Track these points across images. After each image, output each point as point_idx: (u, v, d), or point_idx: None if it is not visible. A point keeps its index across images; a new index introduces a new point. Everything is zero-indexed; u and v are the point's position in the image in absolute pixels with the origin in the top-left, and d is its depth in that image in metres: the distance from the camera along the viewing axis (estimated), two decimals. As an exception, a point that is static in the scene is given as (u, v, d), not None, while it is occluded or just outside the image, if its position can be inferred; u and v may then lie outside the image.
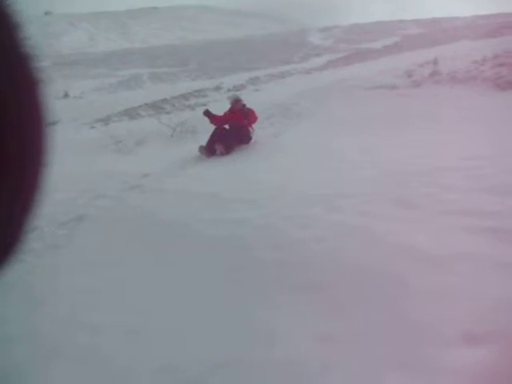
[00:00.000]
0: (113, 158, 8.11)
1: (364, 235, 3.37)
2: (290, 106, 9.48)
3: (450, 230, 3.21)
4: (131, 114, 14.29)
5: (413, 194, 3.90)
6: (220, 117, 7.68)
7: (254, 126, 7.45)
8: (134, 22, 56.65)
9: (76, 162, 8.68)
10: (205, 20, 60.56)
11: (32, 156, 0.50)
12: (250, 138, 7.33)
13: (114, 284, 3.58)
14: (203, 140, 8.15)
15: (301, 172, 5.04)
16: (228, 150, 6.98)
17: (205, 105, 13.38)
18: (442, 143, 5.46)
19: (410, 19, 34.11)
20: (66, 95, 19.90)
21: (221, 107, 12.14)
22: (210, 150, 7.03)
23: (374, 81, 10.02)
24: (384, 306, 2.64)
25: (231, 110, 7.66)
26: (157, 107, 14.47)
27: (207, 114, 7.73)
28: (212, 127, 7.55)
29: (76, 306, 3.34)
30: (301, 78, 15.65)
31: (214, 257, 3.55)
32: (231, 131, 7.21)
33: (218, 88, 16.28)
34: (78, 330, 3.04)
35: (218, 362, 2.51)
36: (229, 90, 15.76)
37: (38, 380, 2.68)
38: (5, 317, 3.40)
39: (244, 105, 7.64)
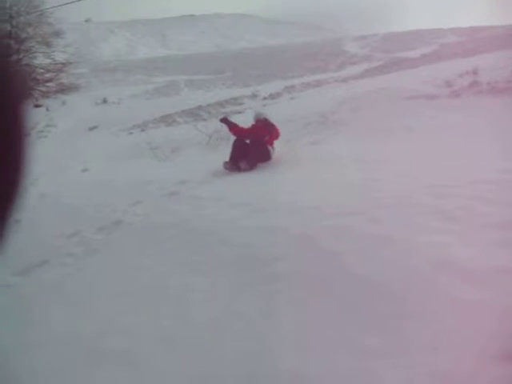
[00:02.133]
0: (150, 165, 8.21)
1: (402, 247, 3.32)
2: (326, 114, 9.42)
3: (487, 243, 3.15)
4: (168, 120, 14.44)
5: (451, 207, 3.83)
6: (240, 128, 7.34)
7: (274, 144, 7.07)
8: (172, 29, 57.47)
9: (114, 167, 8.83)
10: (242, 28, 61.02)
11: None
12: (269, 157, 6.91)
13: (149, 289, 3.62)
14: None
15: (339, 182, 5.01)
16: (252, 166, 6.66)
17: (240, 112, 13.45)
18: (481, 155, 5.35)
19: (448, 28, 33.65)
20: (105, 101, 20.26)
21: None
22: (233, 165, 6.70)
23: (413, 90, 9.89)
24: (422, 319, 2.61)
25: (253, 126, 7.29)
26: (193, 114, 14.60)
27: (225, 121, 7.42)
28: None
29: (113, 310, 3.39)
30: (337, 86, 15.58)
31: (249, 265, 3.55)
32: (252, 147, 6.84)
33: (253, 96, 16.33)
34: (114, 334, 3.08)
35: (252, 372, 2.50)
36: (265, 98, 15.79)
37: (75, 382, 2.72)
38: (45, 319, 3.46)
39: (268, 121, 7.21)
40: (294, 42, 40.40)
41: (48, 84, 23.22)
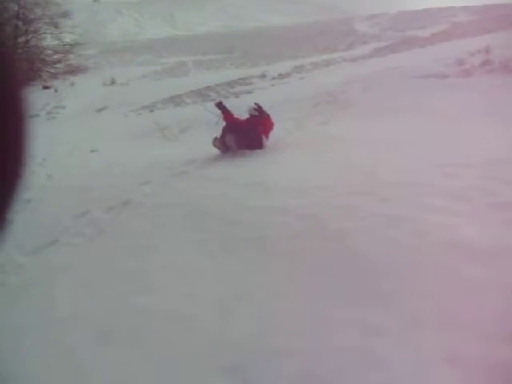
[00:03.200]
0: (158, 145, 8.20)
1: (412, 227, 3.30)
2: (336, 94, 9.34)
3: (499, 223, 3.12)
4: (176, 101, 14.40)
5: (463, 187, 3.80)
6: (235, 117, 6.88)
7: (269, 136, 6.66)
8: (180, 9, 57.00)
9: (123, 147, 8.83)
10: (251, 8, 60.42)
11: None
12: (261, 145, 6.44)
13: (158, 268, 3.62)
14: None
15: (349, 161, 4.97)
16: (239, 144, 6.33)
17: (250, 92, 13.39)
18: (493, 135, 5.29)
19: (460, 6, 33.09)
20: (113, 82, 20.19)
21: (265, 95, 12.15)
22: (223, 143, 6.43)
23: (423, 69, 9.77)
24: (431, 299, 2.60)
25: (249, 118, 6.80)
26: (202, 94, 14.54)
27: (221, 106, 6.93)
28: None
29: (122, 290, 3.40)
30: (347, 66, 15.43)
31: (258, 245, 3.54)
32: (243, 130, 6.44)
33: (262, 76, 16.21)
34: (124, 314, 3.09)
35: (264, 348, 2.51)
36: (273, 78, 15.67)
37: (87, 362, 2.73)
38: (55, 299, 3.48)
39: (263, 112, 6.75)
40: (304, 21, 39.96)
41: (56, 65, 23.21)
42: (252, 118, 6.68)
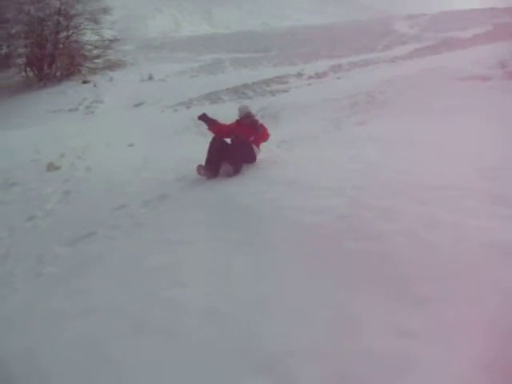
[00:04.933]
0: (195, 141, 8.22)
1: (453, 230, 3.24)
2: (374, 94, 9.23)
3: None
4: (213, 98, 14.44)
5: (502, 190, 3.72)
6: (221, 125, 6.04)
7: (261, 146, 6.01)
8: (218, 7, 57.20)
9: (159, 143, 8.91)
10: (289, 7, 60.25)
11: None
12: (254, 158, 5.84)
13: (192, 262, 3.64)
14: (285, 126, 8.11)
15: (387, 162, 4.91)
16: (237, 168, 5.58)
17: (286, 91, 13.32)
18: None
19: (503, 7, 32.33)
20: (151, 78, 20.37)
21: (302, 94, 12.10)
22: (211, 169, 5.63)
23: (465, 71, 9.59)
24: (469, 305, 2.55)
25: (238, 122, 6.08)
26: (238, 92, 14.54)
27: (204, 118, 6.08)
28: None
29: (156, 283, 3.42)
30: (385, 66, 15.23)
31: (295, 244, 3.52)
32: (235, 147, 5.71)
33: (299, 74, 16.11)
34: (157, 306, 3.12)
35: (297, 348, 2.50)
36: (310, 77, 15.57)
37: (118, 353, 2.76)
38: (90, 289, 3.53)
39: (255, 120, 6.03)
40: (342, 20, 39.64)
41: (96, 60, 23.57)
42: (243, 123, 5.99)
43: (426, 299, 2.66)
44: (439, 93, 8.37)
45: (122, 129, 11.30)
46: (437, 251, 3.06)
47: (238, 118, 6.15)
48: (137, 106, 15.93)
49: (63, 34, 23.03)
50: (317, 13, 57.77)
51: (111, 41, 24.11)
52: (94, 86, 20.02)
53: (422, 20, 31.38)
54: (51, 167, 7.08)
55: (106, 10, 23.74)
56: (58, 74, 22.25)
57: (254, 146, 5.83)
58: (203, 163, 5.61)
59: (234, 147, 5.71)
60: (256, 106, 9.39)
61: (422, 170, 4.46)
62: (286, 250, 3.47)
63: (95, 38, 24.07)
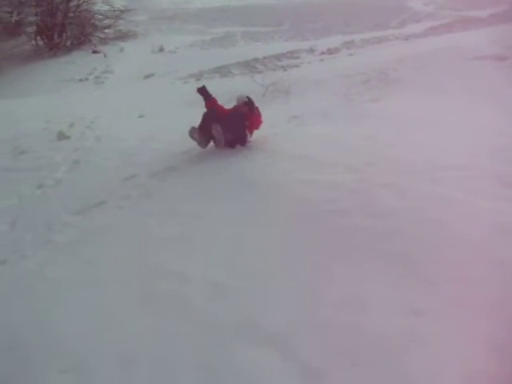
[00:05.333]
0: (204, 114, 8.20)
1: (463, 210, 3.24)
2: (387, 71, 9.10)
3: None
4: (223, 71, 14.33)
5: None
6: (219, 105, 5.89)
7: (253, 133, 5.70)
8: (231, -21, 56.50)
9: (169, 114, 8.87)
10: (302, -20, 59.41)
11: None
12: (244, 141, 5.55)
13: (201, 235, 3.65)
14: (295, 101, 8.05)
15: (399, 140, 4.87)
16: (226, 135, 5.42)
17: (298, 66, 13.20)
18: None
19: (521, -13, 31.74)
20: (161, 49, 20.19)
21: (314, 69, 11.98)
22: (202, 133, 5.50)
23: (480, 50, 9.42)
24: (476, 284, 2.55)
25: (235, 108, 5.80)
26: (249, 66, 14.42)
27: (203, 92, 5.88)
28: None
29: (165, 254, 3.44)
30: (399, 44, 15.04)
31: (305, 218, 3.52)
32: (230, 116, 5.58)
33: (311, 50, 15.94)
34: (166, 277, 3.14)
35: (300, 323, 2.51)
36: (322, 53, 15.40)
37: (125, 321, 2.79)
38: (97, 259, 3.55)
39: (252, 108, 5.71)
40: (355, -4, 39.01)
41: (106, 30, 23.31)
42: (238, 108, 5.75)
43: (434, 277, 2.67)
44: (453, 72, 8.25)
45: (131, 100, 11.24)
46: (445, 230, 3.07)
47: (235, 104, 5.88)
48: (147, 77, 15.82)
49: (74, 3, 22.74)
50: (330, -13, 56.82)
51: (122, 11, 23.82)
52: (105, 56, 19.87)
53: (438, -3, 30.81)
54: (61, 136, 7.07)
55: (117, -21, 23.47)
56: (68, 43, 22.04)
57: (247, 131, 5.62)
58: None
59: (229, 116, 5.59)
60: (267, 81, 9.34)
61: (434, 149, 4.43)
62: (296, 225, 3.47)
63: (106, 7, 23.77)
